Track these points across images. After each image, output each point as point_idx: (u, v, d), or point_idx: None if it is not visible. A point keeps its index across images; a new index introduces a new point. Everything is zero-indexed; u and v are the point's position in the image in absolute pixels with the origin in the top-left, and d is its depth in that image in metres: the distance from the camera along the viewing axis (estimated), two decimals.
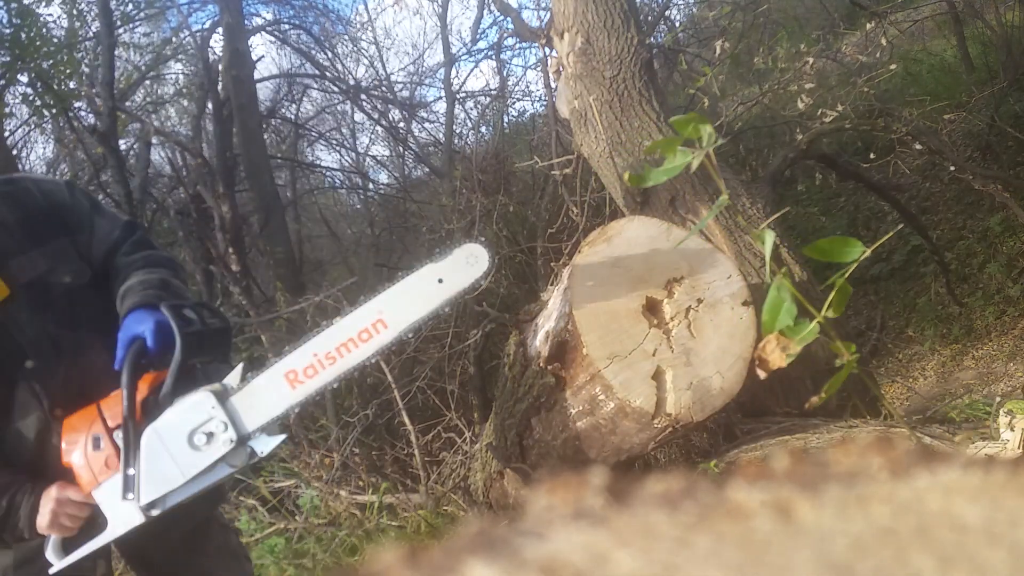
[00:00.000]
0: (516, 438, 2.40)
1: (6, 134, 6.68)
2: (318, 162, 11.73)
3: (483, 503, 2.85)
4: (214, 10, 8.71)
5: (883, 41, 6.63)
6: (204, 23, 9.15)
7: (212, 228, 5.93)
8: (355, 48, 11.34)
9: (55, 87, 6.74)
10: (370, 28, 12.45)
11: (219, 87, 8.16)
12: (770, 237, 0.92)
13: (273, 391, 1.47)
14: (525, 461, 2.43)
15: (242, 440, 1.44)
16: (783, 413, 2.74)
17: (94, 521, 1.48)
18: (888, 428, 2.36)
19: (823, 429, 2.43)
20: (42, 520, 1.47)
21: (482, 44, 10.90)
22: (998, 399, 2.67)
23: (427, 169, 9.80)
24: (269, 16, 10.08)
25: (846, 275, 0.92)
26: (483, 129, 9.23)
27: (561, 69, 3.11)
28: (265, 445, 1.47)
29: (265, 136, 9.05)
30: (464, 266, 1.56)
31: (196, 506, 1.53)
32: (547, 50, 3.45)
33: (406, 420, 3.64)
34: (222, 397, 1.44)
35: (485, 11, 9.09)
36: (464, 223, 5.07)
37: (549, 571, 0.23)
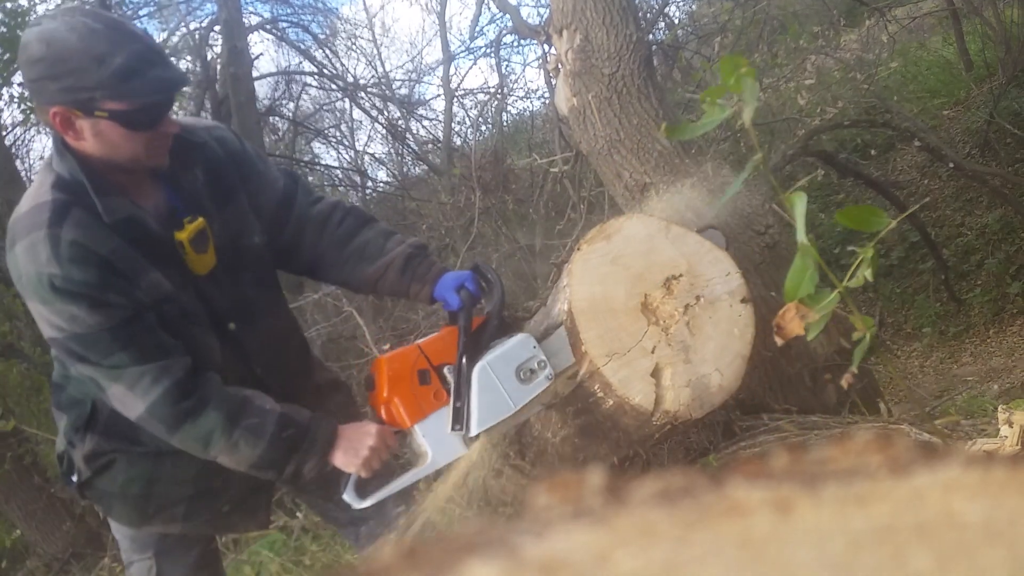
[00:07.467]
0: (515, 436, 2.40)
1: (5, 133, 6.65)
2: (316, 160, 11.70)
3: (483, 503, 2.85)
4: (212, 8, 8.70)
5: (883, 38, 6.62)
6: (202, 20, 9.11)
7: None
8: (354, 45, 11.33)
9: None
10: (368, 26, 12.42)
11: (217, 85, 8.15)
12: (801, 201, 0.90)
13: None
14: (524, 459, 2.43)
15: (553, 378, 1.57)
16: (782, 410, 2.75)
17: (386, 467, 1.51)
18: (887, 425, 2.36)
19: (822, 426, 2.43)
20: (354, 458, 1.45)
21: (481, 41, 10.89)
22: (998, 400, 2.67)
23: (426, 167, 9.79)
24: (267, 15, 10.05)
25: (874, 242, 0.90)
26: (482, 127, 9.22)
27: (560, 66, 3.11)
28: (566, 387, 1.62)
29: (263, 134, 9.03)
30: None
31: None
32: (546, 47, 3.45)
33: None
34: (537, 340, 1.60)
35: (484, 8, 9.08)
36: (463, 221, 5.06)
37: (548, 570, 0.23)
